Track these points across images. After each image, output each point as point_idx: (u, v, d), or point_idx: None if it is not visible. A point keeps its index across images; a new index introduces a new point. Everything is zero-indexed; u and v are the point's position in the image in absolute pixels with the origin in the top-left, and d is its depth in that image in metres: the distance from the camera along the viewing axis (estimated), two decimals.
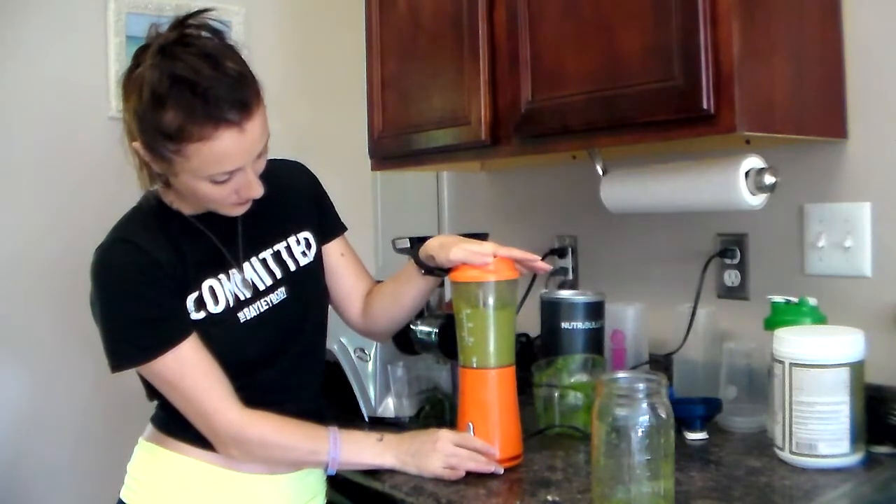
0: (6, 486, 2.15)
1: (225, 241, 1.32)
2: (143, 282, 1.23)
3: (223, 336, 1.27)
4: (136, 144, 1.21)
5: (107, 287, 1.24)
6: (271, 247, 1.37)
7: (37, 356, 2.19)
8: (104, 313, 1.24)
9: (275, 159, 1.39)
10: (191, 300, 1.26)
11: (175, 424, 1.29)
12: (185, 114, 1.13)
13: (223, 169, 1.18)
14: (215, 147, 1.15)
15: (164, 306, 1.24)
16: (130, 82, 1.18)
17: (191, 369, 1.24)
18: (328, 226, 1.48)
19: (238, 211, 1.29)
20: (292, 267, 1.38)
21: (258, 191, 1.24)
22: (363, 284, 1.50)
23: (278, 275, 1.35)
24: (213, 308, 1.28)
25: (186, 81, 1.13)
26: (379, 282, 1.52)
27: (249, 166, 1.21)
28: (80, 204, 2.19)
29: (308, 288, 1.40)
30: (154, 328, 1.23)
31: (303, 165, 1.50)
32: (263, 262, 1.35)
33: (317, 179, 1.50)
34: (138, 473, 1.33)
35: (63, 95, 2.22)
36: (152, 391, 1.30)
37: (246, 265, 1.33)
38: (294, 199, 1.43)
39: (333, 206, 1.50)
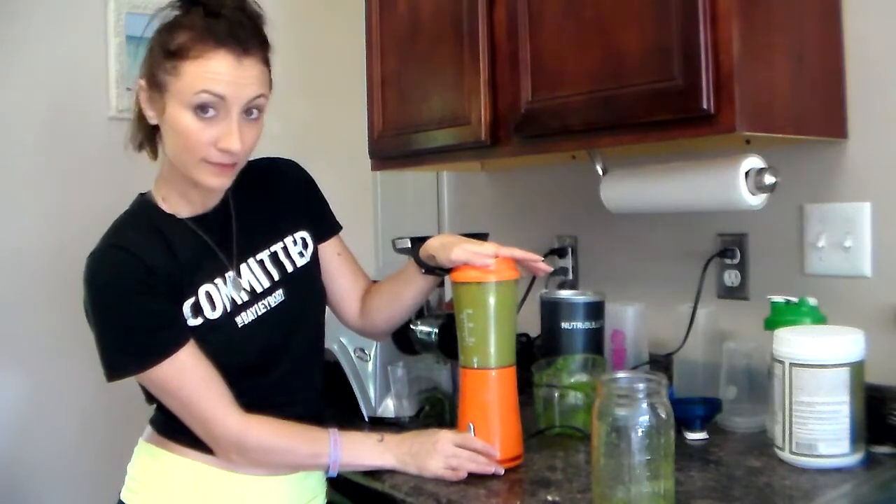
0: (6, 486, 2.15)
1: (220, 243, 1.31)
2: (137, 290, 1.21)
3: (221, 341, 1.26)
4: (141, 82, 1.24)
5: (101, 296, 1.21)
6: (268, 248, 1.36)
7: (37, 357, 2.19)
8: (98, 322, 1.21)
9: (268, 158, 1.39)
10: (187, 306, 1.25)
11: (173, 426, 1.28)
12: (192, 32, 1.18)
13: (210, 87, 1.17)
14: (209, 66, 1.18)
15: (160, 314, 1.22)
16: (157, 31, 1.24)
17: (189, 377, 1.22)
18: (324, 225, 1.46)
19: (217, 180, 1.24)
20: (289, 268, 1.37)
21: (237, 144, 1.20)
22: (360, 284, 1.50)
23: (276, 276, 1.34)
24: (210, 314, 1.26)
25: (205, 6, 1.19)
26: (375, 281, 1.52)
27: (236, 109, 1.20)
28: (80, 204, 2.19)
29: (306, 289, 1.39)
30: (150, 337, 1.21)
31: (296, 164, 1.47)
32: (260, 263, 1.34)
33: (311, 177, 1.47)
34: (138, 474, 1.33)
35: (63, 95, 2.22)
36: (150, 394, 1.29)
37: (243, 267, 1.32)
38: (289, 199, 1.42)
39: (328, 205, 1.49)
